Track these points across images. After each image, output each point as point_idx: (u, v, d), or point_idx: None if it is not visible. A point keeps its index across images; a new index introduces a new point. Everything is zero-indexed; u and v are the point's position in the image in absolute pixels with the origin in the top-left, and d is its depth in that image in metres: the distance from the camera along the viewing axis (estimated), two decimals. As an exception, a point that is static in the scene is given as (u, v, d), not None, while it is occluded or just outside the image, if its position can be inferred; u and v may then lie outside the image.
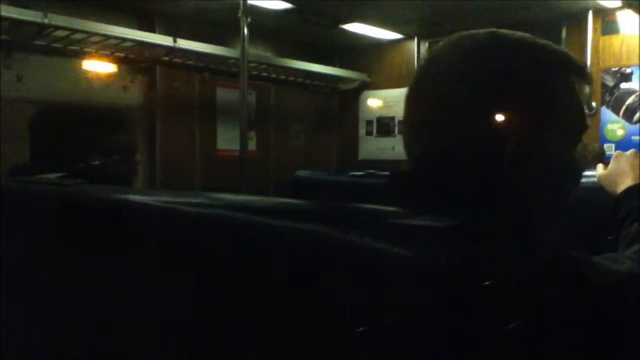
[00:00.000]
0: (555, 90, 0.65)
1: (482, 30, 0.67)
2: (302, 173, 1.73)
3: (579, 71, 0.68)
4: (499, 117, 0.61)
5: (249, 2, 3.73)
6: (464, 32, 0.67)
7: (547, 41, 0.68)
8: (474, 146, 0.62)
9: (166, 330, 0.46)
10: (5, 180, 0.64)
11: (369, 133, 5.85)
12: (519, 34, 0.66)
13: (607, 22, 4.50)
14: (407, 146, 0.68)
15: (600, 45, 4.51)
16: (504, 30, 0.67)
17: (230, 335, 0.43)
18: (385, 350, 0.39)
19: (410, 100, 0.68)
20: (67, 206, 0.55)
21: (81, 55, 3.97)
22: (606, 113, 4.53)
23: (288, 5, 4.20)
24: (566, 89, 0.66)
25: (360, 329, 0.39)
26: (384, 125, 5.72)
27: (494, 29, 0.67)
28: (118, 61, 4.23)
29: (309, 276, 0.43)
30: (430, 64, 0.68)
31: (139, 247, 0.50)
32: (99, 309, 0.50)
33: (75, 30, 3.63)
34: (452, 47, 0.67)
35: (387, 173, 0.69)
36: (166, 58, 4.37)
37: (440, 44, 0.68)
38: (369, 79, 5.73)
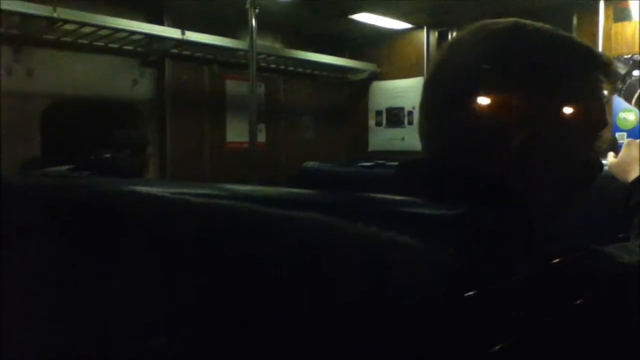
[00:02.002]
0: (574, 83, 0.64)
1: (504, 20, 0.66)
2: (310, 164, 1.73)
3: (602, 67, 0.67)
4: (515, 107, 0.61)
5: (257, -7, 3.73)
6: (487, 21, 0.66)
7: (570, 34, 0.67)
8: (487, 135, 0.61)
9: (172, 323, 0.46)
10: (16, 173, 0.64)
11: (378, 124, 5.83)
12: (542, 25, 0.65)
13: (619, 9, 4.45)
14: (422, 133, 0.68)
15: (612, 33, 4.46)
16: (526, 21, 0.66)
17: (237, 326, 0.44)
18: (394, 344, 0.39)
19: (427, 86, 0.67)
20: (77, 198, 0.56)
21: (91, 48, 3.98)
22: (618, 101, 4.49)
23: (296, -4, 4.19)
24: (587, 83, 0.65)
25: (369, 320, 0.39)
26: (393, 116, 5.70)
27: (516, 19, 0.66)
28: (127, 54, 4.24)
29: (317, 266, 0.43)
30: (450, 51, 0.68)
31: (148, 239, 0.50)
32: (109, 300, 0.50)
33: (84, 24, 3.64)
34: (472, 35, 0.66)
35: (396, 163, 0.69)
36: (175, 51, 4.37)
37: (463, 31, 0.68)
38: (378, 70, 5.71)
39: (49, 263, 0.54)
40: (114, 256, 0.51)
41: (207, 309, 0.46)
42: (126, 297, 0.50)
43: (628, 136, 4.20)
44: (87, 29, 3.72)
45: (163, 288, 0.48)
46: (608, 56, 0.70)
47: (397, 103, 5.64)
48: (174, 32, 4.10)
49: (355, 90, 5.91)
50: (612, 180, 1.03)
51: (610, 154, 1.09)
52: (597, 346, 0.49)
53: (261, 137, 4.84)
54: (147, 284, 0.49)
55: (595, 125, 0.68)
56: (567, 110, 0.63)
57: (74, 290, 0.52)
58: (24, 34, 3.61)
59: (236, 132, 4.86)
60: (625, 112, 4.47)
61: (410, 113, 5.47)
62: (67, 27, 3.61)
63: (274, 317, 0.42)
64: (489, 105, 0.61)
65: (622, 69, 4.46)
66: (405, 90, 5.49)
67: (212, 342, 0.45)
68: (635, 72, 4.43)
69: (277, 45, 5.13)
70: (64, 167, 0.70)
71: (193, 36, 4.16)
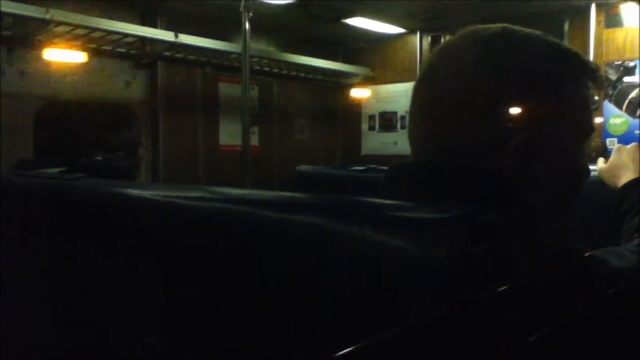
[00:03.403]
0: (563, 89, 0.65)
1: (494, 25, 0.66)
2: (303, 168, 1.73)
3: (590, 73, 0.67)
4: (505, 112, 0.61)
5: (250, -4, 3.74)
6: (477, 26, 0.67)
7: (559, 40, 0.68)
8: (477, 140, 0.62)
9: (166, 325, 0.46)
10: (7, 175, 0.64)
11: (371, 128, 5.85)
12: (532, 31, 0.66)
13: (610, 15, 4.49)
14: (412, 137, 0.68)
15: (603, 39, 4.50)
16: (516, 27, 0.66)
17: (230, 330, 0.44)
18: (391, 348, 0.39)
19: (417, 90, 0.68)
20: (68, 200, 0.56)
21: (84, 50, 3.97)
22: (609, 107, 4.52)
23: (290, 0, 4.20)
24: (575, 89, 0.66)
25: (363, 326, 0.39)
26: (386, 120, 5.72)
27: (506, 24, 0.66)
28: (120, 56, 4.24)
29: (309, 270, 0.43)
30: (440, 55, 0.68)
31: (140, 241, 0.50)
32: (100, 302, 0.50)
33: (77, 26, 3.64)
34: (462, 40, 0.66)
35: (387, 167, 0.69)
36: (168, 53, 4.37)
37: (453, 36, 0.68)
38: (371, 74, 5.72)
39: (41, 265, 0.54)
40: (106, 258, 0.51)
41: (200, 310, 0.46)
42: (117, 300, 0.50)
43: (618, 141, 4.23)
44: (80, 31, 3.72)
45: (156, 289, 0.48)
46: (596, 63, 0.71)
47: (390, 107, 5.66)
48: (167, 35, 4.11)
49: (349, 95, 5.93)
50: (601, 185, 1.03)
51: (600, 160, 1.10)
52: (589, 351, 0.49)
53: (254, 140, 4.84)
54: (140, 286, 0.49)
55: (583, 131, 0.69)
56: (556, 115, 0.64)
57: (65, 292, 0.52)
58: (17, 35, 3.60)
59: (229, 135, 4.86)
60: (615, 118, 4.51)
61: (402, 117, 5.49)
62: (61, 28, 3.60)
63: (269, 320, 0.42)
64: (478, 110, 0.62)
65: (612, 75, 4.50)
66: (398, 95, 5.51)
67: (206, 343, 0.45)
68: (626, 78, 4.47)
69: (271, 49, 5.14)
70: (57, 169, 0.70)
71: (186, 39, 4.16)
